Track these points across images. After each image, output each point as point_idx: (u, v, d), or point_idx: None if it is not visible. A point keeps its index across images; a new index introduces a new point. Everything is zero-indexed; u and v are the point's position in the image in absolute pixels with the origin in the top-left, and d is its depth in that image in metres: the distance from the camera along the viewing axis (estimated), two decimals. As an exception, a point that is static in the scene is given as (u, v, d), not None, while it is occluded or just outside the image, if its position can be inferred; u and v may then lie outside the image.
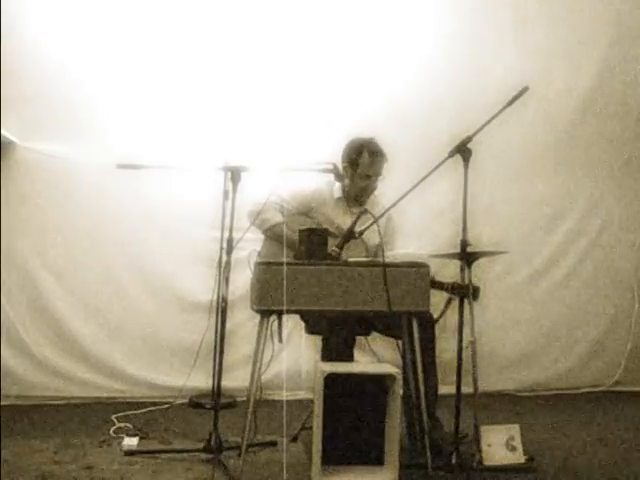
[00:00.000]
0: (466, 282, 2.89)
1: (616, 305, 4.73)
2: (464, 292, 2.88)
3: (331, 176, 3.46)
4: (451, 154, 2.88)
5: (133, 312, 4.09)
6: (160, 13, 4.05)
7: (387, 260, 2.84)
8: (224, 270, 2.96)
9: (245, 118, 4.12)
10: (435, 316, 3.12)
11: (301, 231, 2.94)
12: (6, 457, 2.96)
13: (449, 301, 3.01)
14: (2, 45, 3.75)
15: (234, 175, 2.99)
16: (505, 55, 4.39)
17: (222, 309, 2.98)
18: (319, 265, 2.80)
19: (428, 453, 2.85)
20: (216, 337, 3.06)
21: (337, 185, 3.46)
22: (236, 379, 3.82)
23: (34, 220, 3.96)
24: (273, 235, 3.32)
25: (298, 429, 3.29)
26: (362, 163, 3.37)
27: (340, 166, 3.34)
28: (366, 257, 3.32)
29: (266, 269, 2.77)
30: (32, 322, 3.96)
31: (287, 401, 4.04)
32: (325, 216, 3.39)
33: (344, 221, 3.39)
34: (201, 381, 3.80)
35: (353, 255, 3.06)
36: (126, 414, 3.63)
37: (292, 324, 3.79)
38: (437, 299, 3.03)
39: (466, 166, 2.86)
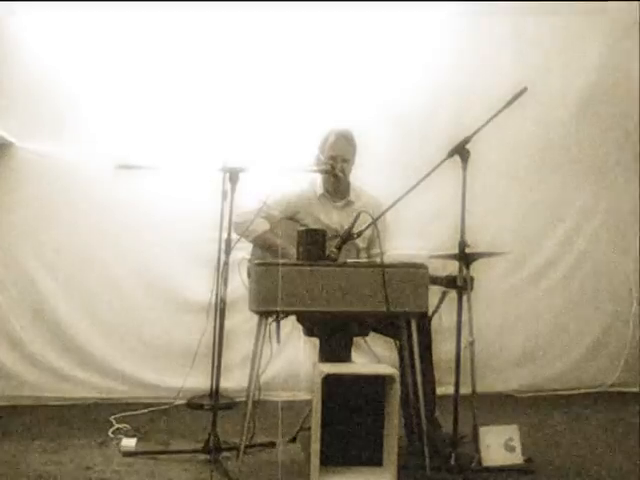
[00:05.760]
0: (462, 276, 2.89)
1: (615, 306, 4.74)
2: (459, 284, 2.87)
3: (314, 176, 3.47)
4: (450, 155, 2.89)
5: (132, 312, 4.09)
6: (160, 16, 4.05)
7: (386, 261, 2.85)
8: (222, 271, 2.96)
9: (244, 119, 4.12)
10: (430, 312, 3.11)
11: (300, 232, 2.94)
12: (4, 457, 2.96)
13: (444, 295, 3.01)
14: (1, 47, 3.75)
15: (232, 176, 2.99)
16: (504, 56, 4.40)
17: (220, 310, 2.98)
18: (317, 266, 2.80)
19: (427, 454, 2.85)
20: (215, 338, 3.07)
21: (319, 182, 3.47)
22: (234, 380, 3.82)
23: (32, 220, 3.96)
24: (261, 244, 3.33)
25: (296, 430, 3.29)
26: (327, 145, 3.39)
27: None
28: (357, 255, 3.33)
29: (264, 270, 2.77)
30: (31, 322, 3.96)
31: (285, 402, 4.05)
32: (311, 216, 3.39)
33: (329, 217, 3.40)
34: (199, 382, 3.81)
35: (343, 253, 3.06)
36: (124, 415, 3.63)
37: (290, 325, 3.79)
38: (432, 294, 3.02)
39: (465, 167, 2.86)
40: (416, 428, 3.05)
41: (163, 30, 4.06)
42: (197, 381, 3.81)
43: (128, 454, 3.05)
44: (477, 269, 2.98)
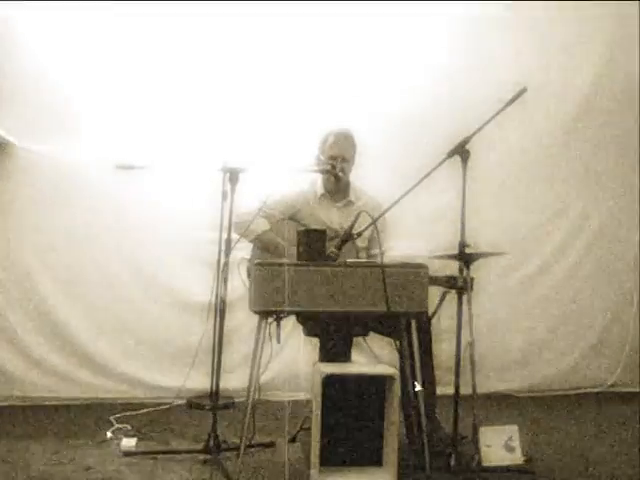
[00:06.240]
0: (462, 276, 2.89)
1: (614, 306, 4.74)
2: (459, 285, 2.88)
3: (314, 176, 3.47)
4: (449, 155, 2.89)
5: (131, 313, 4.09)
6: (160, 18, 4.05)
7: (386, 261, 2.85)
8: (222, 271, 2.97)
9: (244, 119, 4.12)
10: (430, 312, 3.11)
11: (299, 232, 2.94)
12: (5, 457, 2.96)
13: (444, 295, 3.01)
14: (1, 48, 3.75)
15: (232, 176, 3.00)
16: (504, 56, 4.40)
17: (220, 310, 2.98)
18: (317, 266, 2.80)
19: (427, 454, 2.85)
20: (214, 338, 3.06)
21: (319, 182, 3.48)
22: (234, 380, 3.81)
23: (33, 220, 3.96)
24: (260, 244, 3.33)
25: (297, 430, 3.29)
26: (327, 145, 3.39)
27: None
28: (357, 255, 3.33)
29: (264, 270, 2.77)
30: (31, 323, 3.96)
31: (285, 402, 4.05)
32: (311, 216, 3.39)
33: (329, 217, 3.41)
34: (199, 382, 3.79)
35: (343, 253, 3.06)
36: (124, 415, 3.63)
37: (290, 325, 3.79)
38: (432, 295, 3.03)
39: (464, 167, 2.87)
40: (416, 428, 3.05)
41: (164, 31, 4.06)
42: (197, 381, 3.80)
43: (128, 454, 3.05)
44: (477, 269, 2.98)
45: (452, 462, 2.85)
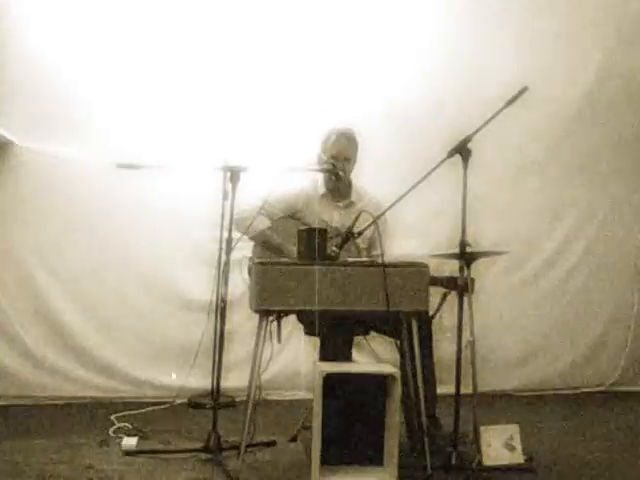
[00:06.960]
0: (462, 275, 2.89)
1: (615, 305, 4.73)
2: (459, 285, 2.87)
3: (316, 175, 3.47)
4: (450, 154, 2.88)
5: (132, 312, 4.09)
6: (160, 14, 4.05)
7: (386, 260, 2.85)
8: (223, 270, 2.96)
9: (244, 118, 4.13)
10: (431, 313, 3.11)
11: (300, 231, 2.93)
12: (6, 457, 2.96)
13: (444, 296, 3.01)
14: (1, 46, 3.75)
15: (233, 175, 2.99)
16: (505, 55, 4.39)
17: (221, 309, 2.98)
18: (318, 265, 2.80)
19: (427, 453, 2.85)
20: (215, 337, 3.06)
21: (321, 181, 3.47)
22: (235, 379, 3.81)
23: (33, 220, 3.96)
24: (261, 242, 3.33)
25: (297, 429, 3.29)
26: (329, 144, 3.39)
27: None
28: (358, 254, 3.33)
29: (265, 269, 2.77)
30: (31, 322, 3.96)
31: (286, 401, 4.06)
32: (312, 215, 3.38)
33: (330, 216, 3.40)
34: (200, 381, 3.81)
35: (344, 253, 3.06)
36: (125, 414, 3.63)
37: (291, 324, 3.79)
38: (433, 294, 3.03)
39: (465, 166, 2.86)
40: (417, 427, 3.05)
41: (165, 29, 4.06)
42: (198, 380, 3.81)
43: (129, 453, 3.05)
44: (477, 269, 2.98)
45: (453, 461, 2.85)
